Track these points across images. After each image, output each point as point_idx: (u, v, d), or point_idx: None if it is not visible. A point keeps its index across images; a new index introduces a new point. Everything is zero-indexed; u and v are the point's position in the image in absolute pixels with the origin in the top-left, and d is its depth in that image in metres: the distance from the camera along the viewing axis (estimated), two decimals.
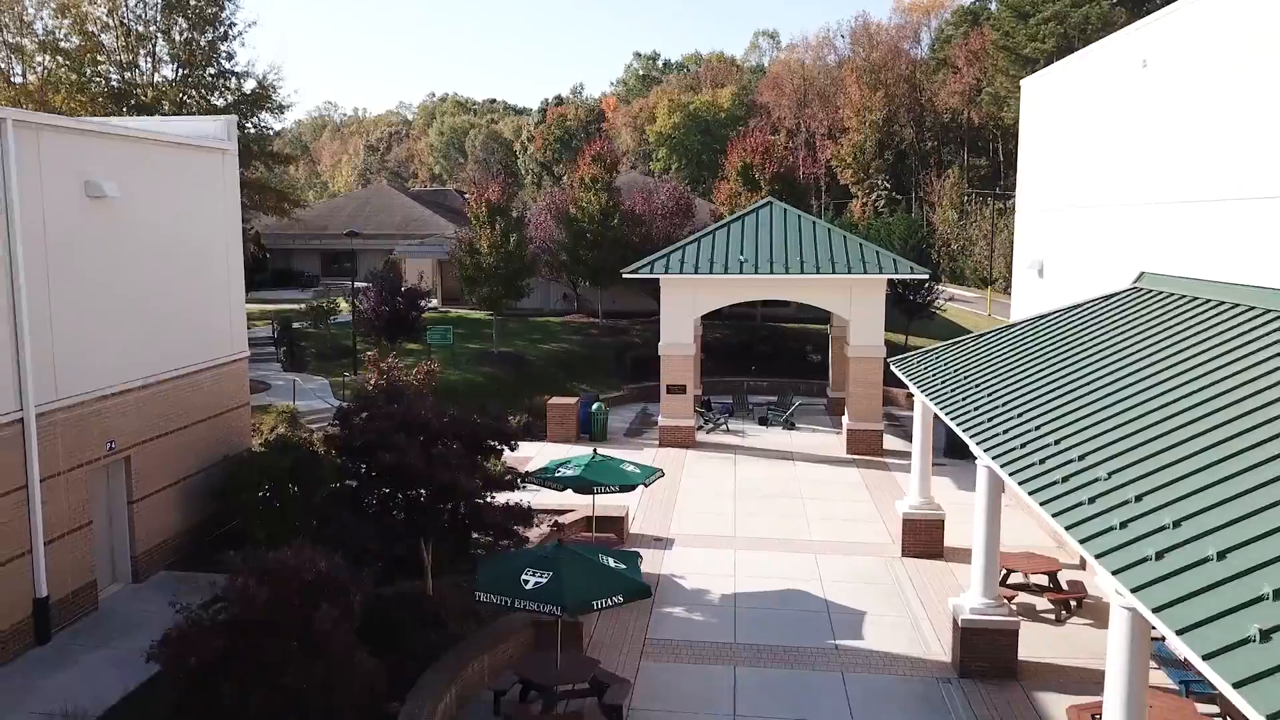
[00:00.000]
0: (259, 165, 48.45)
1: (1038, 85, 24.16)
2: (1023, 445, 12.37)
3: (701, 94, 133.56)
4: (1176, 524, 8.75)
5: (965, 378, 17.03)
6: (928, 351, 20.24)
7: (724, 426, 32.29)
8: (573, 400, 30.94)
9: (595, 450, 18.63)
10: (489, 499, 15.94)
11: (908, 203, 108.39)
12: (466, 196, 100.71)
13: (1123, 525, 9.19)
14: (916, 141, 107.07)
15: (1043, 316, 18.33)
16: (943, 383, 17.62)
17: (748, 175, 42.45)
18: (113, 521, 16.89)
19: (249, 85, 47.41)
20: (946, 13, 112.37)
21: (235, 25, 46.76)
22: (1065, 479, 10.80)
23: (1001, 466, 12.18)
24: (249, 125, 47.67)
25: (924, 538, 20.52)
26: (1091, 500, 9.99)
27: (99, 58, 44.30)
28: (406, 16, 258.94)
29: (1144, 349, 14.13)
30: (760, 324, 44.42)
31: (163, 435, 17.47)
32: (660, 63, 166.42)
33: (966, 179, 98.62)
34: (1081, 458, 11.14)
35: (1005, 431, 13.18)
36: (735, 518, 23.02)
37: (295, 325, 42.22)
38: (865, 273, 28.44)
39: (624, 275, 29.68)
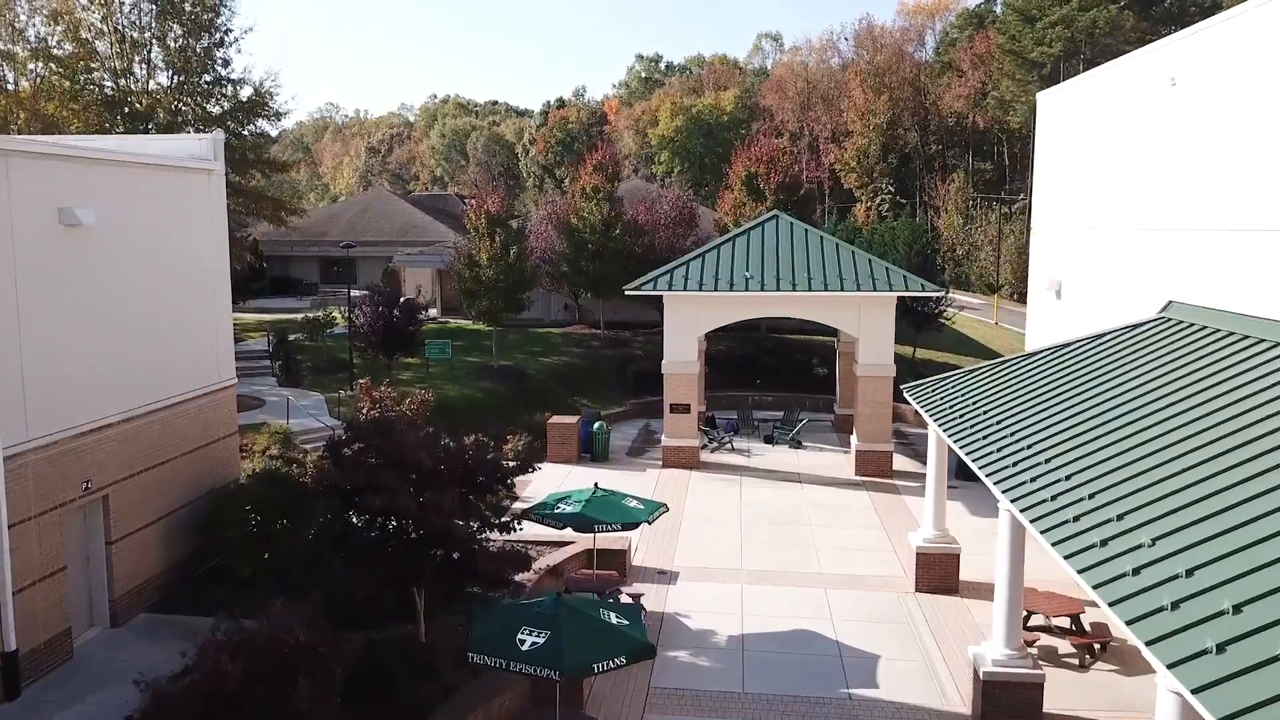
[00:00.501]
0: (256, 173, 47.64)
1: (1056, 99, 23.34)
2: (1053, 498, 11.55)
3: (704, 97, 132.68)
4: (1237, 609, 7.92)
5: (985, 412, 16.22)
6: (944, 379, 19.42)
7: (729, 445, 31.47)
8: (573, 419, 30.14)
9: (596, 485, 17.81)
10: (485, 542, 15.14)
11: (912, 207, 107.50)
12: (468, 201, 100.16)
13: (1174, 606, 8.37)
14: (921, 145, 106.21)
15: (1065, 346, 17.50)
16: (960, 416, 16.82)
17: (752, 185, 41.62)
18: (89, 563, 16.09)
19: (245, 92, 46.63)
20: (951, 15, 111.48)
21: (231, 31, 45.93)
22: (1104, 543, 9.99)
23: (1031, 522, 11.35)
24: (245, 133, 46.93)
25: (939, 572, 19.71)
26: (1136, 571, 9.18)
27: (93, 64, 43.55)
28: (407, 17, 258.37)
29: (1177, 385, 13.31)
30: (765, 336, 43.60)
31: (145, 470, 16.67)
32: (663, 65, 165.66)
33: (971, 183, 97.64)
34: (1120, 518, 10.33)
35: (1033, 480, 12.35)
36: (742, 547, 22.21)
37: (291, 337, 41.46)
38: (875, 290, 27.62)
39: (626, 292, 28.87)
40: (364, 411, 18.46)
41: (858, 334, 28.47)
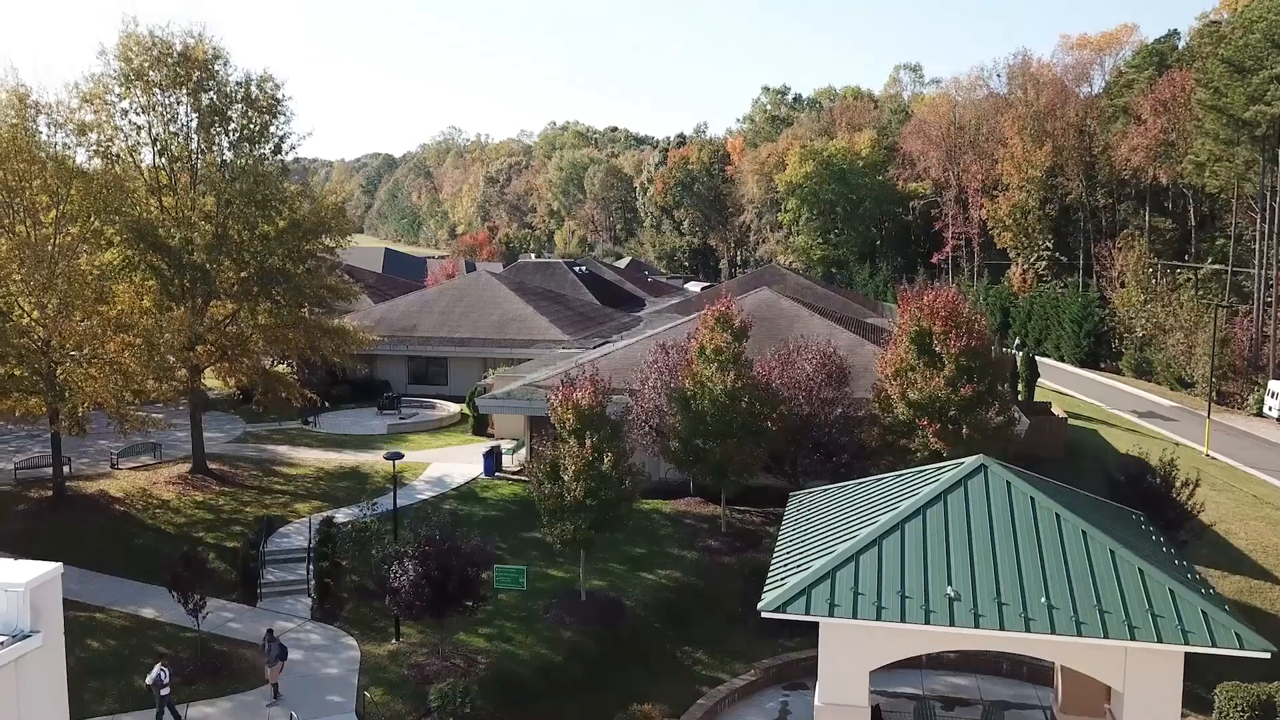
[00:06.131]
0: (313, 303, 40.41)
1: None
2: None
3: (836, 139, 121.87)
4: None
5: None
6: None
7: None
8: None
9: None
10: None
11: (1074, 269, 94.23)
12: (577, 267, 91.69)
13: None
14: (1085, 197, 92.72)
15: None
16: None
17: (924, 344, 31.66)
18: None
19: (304, 207, 39.39)
20: (1126, 50, 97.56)
21: (288, 137, 38.80)
22: None
23: None
24: (306, 250, 39.68)
25: None
26: None
27: (131, 178, 36.89)
28: (529, 43, 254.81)
29: None
30: None
31: None
32: (790, 97, 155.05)
33: (1149, 246, 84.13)
34: None
35: None
36: None
37: (342, 518, 33.74)
38: (1158, 639, 17.55)
39: (763, 614, 19.47)
40: None
41: (1120, 689, 18.46)
